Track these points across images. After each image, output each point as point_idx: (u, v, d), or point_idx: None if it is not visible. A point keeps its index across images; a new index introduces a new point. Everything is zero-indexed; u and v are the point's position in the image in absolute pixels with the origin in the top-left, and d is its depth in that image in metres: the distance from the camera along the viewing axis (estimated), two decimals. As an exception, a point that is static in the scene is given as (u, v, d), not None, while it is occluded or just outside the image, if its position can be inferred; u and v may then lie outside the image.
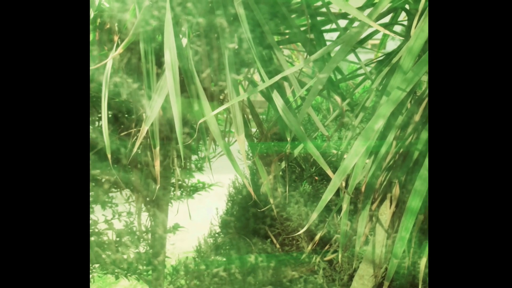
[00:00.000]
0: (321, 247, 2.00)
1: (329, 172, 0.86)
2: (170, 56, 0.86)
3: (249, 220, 2.16)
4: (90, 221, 1.85)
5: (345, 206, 0.95)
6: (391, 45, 1.52)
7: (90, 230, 1.79)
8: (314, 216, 0.79)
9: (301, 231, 0.99)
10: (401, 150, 1.06)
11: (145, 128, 0.92)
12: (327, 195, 0.81)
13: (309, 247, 2.00)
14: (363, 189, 1.09)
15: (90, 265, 1.82)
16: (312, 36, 1.18)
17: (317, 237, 1.55)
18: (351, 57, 1.24)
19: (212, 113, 0.93)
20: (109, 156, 0.95)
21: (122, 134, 1.33)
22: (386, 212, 1.19)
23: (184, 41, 1.01)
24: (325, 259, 2.01)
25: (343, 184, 0.91)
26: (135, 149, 0.96)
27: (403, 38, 1.04)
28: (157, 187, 1.05)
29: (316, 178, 1.93)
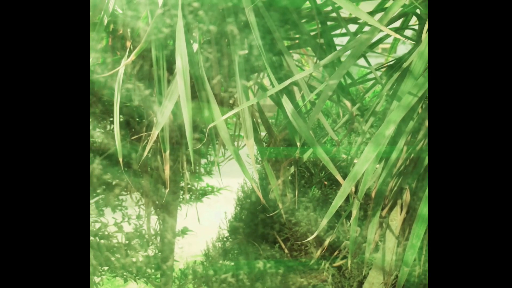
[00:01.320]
0: (330, 253, 1.98)
1: (338, 177, 0.86)
2: (181, 63, 0.87)
3: (257, 225, 2.16)
4: (100, 224, 1.87)
5: (354, 212, 0.94)
6: (401, 50, 1.51)
7: (100, 233, 1.81)
8: (324, 222, 0.78)
9: (311, 238, 0.99)
10: (412, 156, 1.05)
11: (155, 132, 0.93)
12: (337, 201, 0.80)
13: (318, 253, 1.99)
14: (373, 195, 1.08)
15: (100, 267, 1.84)
16: (322, 41, 1.18)
17: (326, 243, 1.54)
18: (361, 61, 1.24)
19: (222, 118, 0.94)
20: (120, 160, 0.96)
21: (133, 138, 1.34)
22: (396, 218, 1.17)
23: (195, 47, 1.03)
24: (334, 265, 1.99)
25: (353, 190, 0.91)
26: (145, 153, 0.98)
27: (414, 43, 1.03)
28: (167, 191, 1.06)
29: (326, 183, 1.92)
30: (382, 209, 1.05)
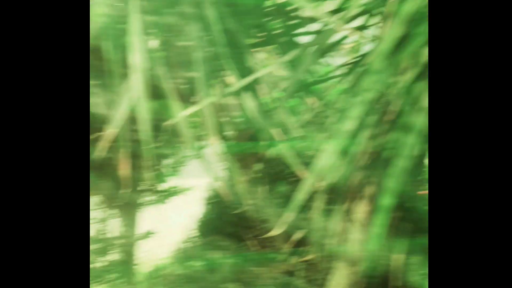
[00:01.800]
0: (298, 247, 2.01)
1: (301, 172, 0.86)
2: (137, 59, 0.83)
3: (225, 223, 2.14)
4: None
5: (318, 205, 0.95)
6: (367, 48, 1.55)
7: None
8: (287, 216, 0.78)
9: (274, 233, 0.99)
10: (374, 149, 1.07)
11: (111, 131, 0.89)
12: (299, 195, 0.81)
13: (286, 247, 2.01)
14: (334, 189, 1.09)
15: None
16: (285, 39, 1.18)
17: (293, 238, 1.55)
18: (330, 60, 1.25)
19: (181, 115, 0.91)
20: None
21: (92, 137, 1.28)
22: (361, 211, 1.20)
23: (153, 43, 0.99)
24: (302, 259, 2.02)
25: (317, 184, 0.92)
26: (102, 153, 0.93)
27: (376, 41, 1.05)
28: (124, 191, 1.02)
29: (292, 178, 1.94)
30: (348, 202, 1.07)
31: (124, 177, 0.94)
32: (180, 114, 0.91)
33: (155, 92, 0.95)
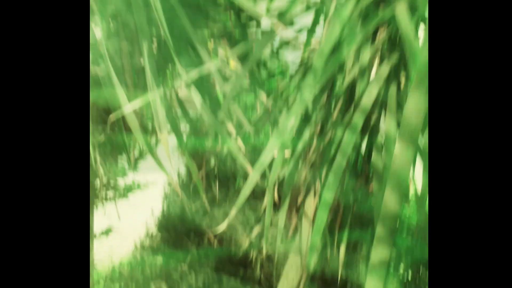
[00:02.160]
0: (258, 241, 2.04)
1: (248, 167, 0.87)
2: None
3: (185, 219, 2.13)
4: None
5: (267, 201, 0.97)
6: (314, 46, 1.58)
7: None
8: (233, 212, 0.79)
9: (219, 230, 0.99)
10: (321, 146, 1.10)
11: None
12: (245, 190, 0.82)
13: (246, 244, 2.03)
14: (281, 185, 1.12)
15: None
16: (236, 31, 1.18)
17: (253, 235, 1.56)
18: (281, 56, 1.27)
19: (128, 108, 0.89)
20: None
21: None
22: (309, 206, 1.24)
23: (99, 34, 0.95)
24: (263, 255, 2.06)
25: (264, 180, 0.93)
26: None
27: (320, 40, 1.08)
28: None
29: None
30: (295, 198, 1.10)
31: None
32: (128, 106, 0.88)
33: (101, 81, 0.92)
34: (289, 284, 1.35)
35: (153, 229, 2.37)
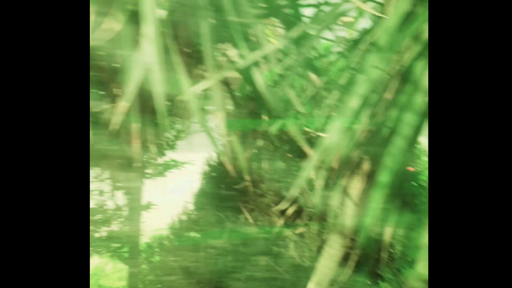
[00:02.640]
0: (292, 221, 2.08)
1: (306, 149, 0.89)
2: (151, 29, 0.82)
3: (223, 197, 2.19)
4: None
5: (320, 181, 0.99)
6: (362, 24, 1.55)
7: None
8: (293, 192, 0.82)
9: (282, 207, 1.02)
10: (374, 127, 1.11)
11: (124, 104, 0.90)
12: (305, 172, 0.84)
13: (281, 221, 2.08)
14: (336, 164, 1.13)
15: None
16: (288, 11, 1.17)
17: (289, 212, 1.60)
18: (327, 34, 1.25)
19: (193, 89, 0.92)
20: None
21: (94, 110, 1.28)
22: (356, 187, 1.25)
23: (162, 12, 0.97)
24: (296, 232, 2.10)
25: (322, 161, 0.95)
26: (113, 126, 0.94)
27: (382, 16, 1.06)
28: (137, 165, 1.04)
29: (288, 155, 1.98)
30: (347, 178, 1.11)
31: (135, 150, 0.96)
32: (190, 89, 0.91)
33: (163, 65, 0.95)
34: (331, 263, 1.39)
35: (190, 206, 2.46)
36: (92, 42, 0.88)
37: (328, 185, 1.26)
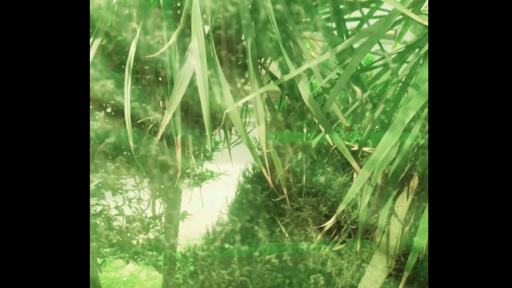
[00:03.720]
0: (330, 239, 2.02)
1: (354, 164, 0.86)
2: (197, 44, 0.84)
3: (258, 209, 2.17)
4: (101, 207, 1.87)
5: (367, 198, 0.95)
6: (406, 36, 1.50)
7: (102, 216, 1.80)
8: (341, 208, 0.79)
9: (330, 222, 0.99)
10: (422, 142, 1.06)
11: (167, 116, 0.92)
12: (355, 187, 0.81)
13: (318, 237, 2.02)
14: (379, 181, 1.08)
15: (102, 249, 1.84)
16: (333, 25, 1.16)
17: (326, 228, 1.55)
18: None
19: (237, 103, 0.92)
20: (131, 143, 0.95)
21: (139, 121, 1.32)
22: (402, 204, 1.19)
23: (206, 28, 1.00)
24: (334, 249, 2.03)
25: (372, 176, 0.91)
26: (158, 137, 0.96)
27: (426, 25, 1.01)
28: (178, 175, 1.05)
29: (329, 169, 1.93)
30: (396, 194, 1.06)
31: (178, 160, 0.98)
32: (232, 102, 0.92)
33: (208, 78, 0.97)
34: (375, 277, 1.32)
35: (225, 217, 2.47)
36: (142, 54, 0.92)
37: (373, 201, 1.21)
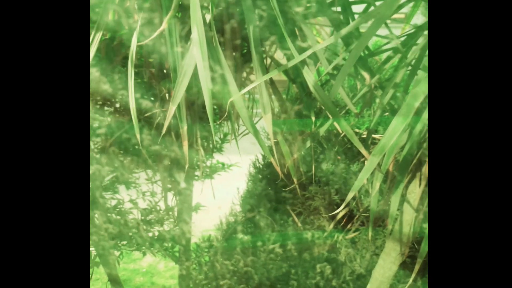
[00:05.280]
0: (343, 226, 2.01)
1: (363, 151, 0.84)
2: (197, 33, 0.83)
3: (270, 199, 2.18)
4: (115, 201, 1.90)
5: (378, 184, 0.93)
6: (414, 19, 1.45)
7: (117, 209, 1.84)
8: (350, 195, 0.78)
9: (340, 209, 0.97)
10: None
11: (172, 108, 0.91)
12: (364, 174, 0.79)
13: (331, 226, 2.01)
14: (390, 167, 1.06)
15: (118, 242, 1.88)
16: (338, 9, 1.13)
17: (339, 216, 1.53)
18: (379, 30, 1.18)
19: (240, 92, 0.91)
20: (138, 136, 0.95)
21: (146, 115, 1.33)
22: (414, 191, 1.17)
23: (207, 17, 0.98)
24: (347, 237, 2.02)
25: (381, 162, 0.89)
26: (164, 130, 0.96)
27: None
28: (186, 167, 1.05)
29: (339, 157, 1.91)
30: (406, 181, 1.04)
31: (185, 152, 0.98)
32: (237, 92, 0.91)
33: (211, 68, 0.96)
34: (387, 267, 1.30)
35: (237, 208, 2.48)
36: (141, 41, 0.91)
37: (384, 188, 1.19)
